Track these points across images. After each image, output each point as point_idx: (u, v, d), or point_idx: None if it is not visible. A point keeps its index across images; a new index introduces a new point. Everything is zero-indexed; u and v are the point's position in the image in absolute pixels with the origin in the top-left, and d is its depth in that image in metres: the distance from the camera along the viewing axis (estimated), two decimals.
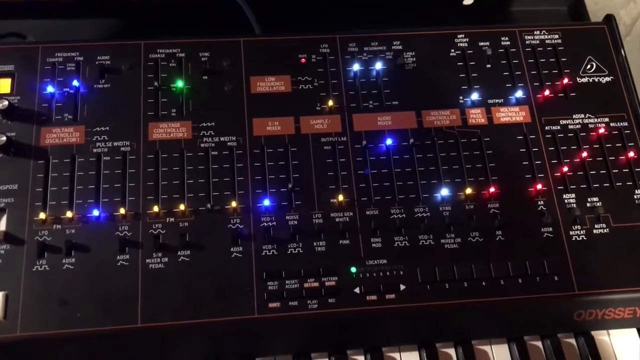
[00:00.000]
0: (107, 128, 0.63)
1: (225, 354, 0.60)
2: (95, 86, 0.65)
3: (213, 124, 0.64)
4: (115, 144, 0.63)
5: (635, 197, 0.64)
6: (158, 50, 0.67)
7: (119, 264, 0.58)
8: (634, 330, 0.64)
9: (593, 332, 0.63)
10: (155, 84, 0.65)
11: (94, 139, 0.63)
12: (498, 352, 0.62)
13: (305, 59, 0.68)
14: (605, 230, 0.63)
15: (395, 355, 0.61)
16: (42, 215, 0.59)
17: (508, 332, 0.63)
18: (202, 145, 0.63)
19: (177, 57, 0.67)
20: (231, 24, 0.75)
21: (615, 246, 0.62)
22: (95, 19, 0.81)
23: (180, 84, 0.65)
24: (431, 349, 0.61)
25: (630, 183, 0.65)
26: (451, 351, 0.62)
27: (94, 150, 0.62)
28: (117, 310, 0.57)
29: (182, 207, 0.60)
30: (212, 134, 0.64)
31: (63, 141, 0.62)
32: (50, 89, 0.64)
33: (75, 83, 0.65)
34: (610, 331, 0.64)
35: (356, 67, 0.68)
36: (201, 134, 0.64)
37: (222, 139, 0.64)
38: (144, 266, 0.58)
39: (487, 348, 0.62)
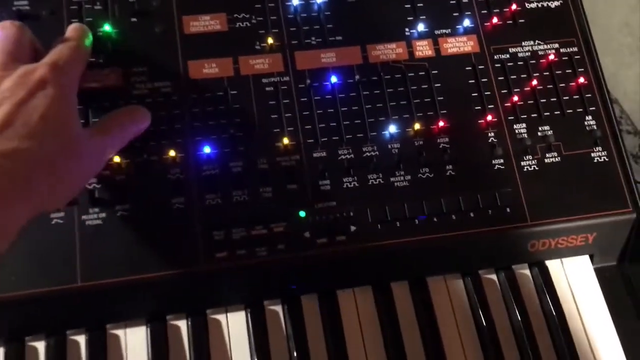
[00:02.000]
0: None
1: (174, 308, 0.58)
2: None
3: (145, 69, 0.60)
4: None
5: (585, 123, 0.63)
6: None
7: (53, 222, 0.55)
8: (586, 257, 0.64)
9: (547, 262, 0.63)
10: None
11: None
12: (453, 287, 0.61)
13: None
14: (556, 159, 0.62)
15: (350, 296, 0.60)
16: None
17: (462, 267, 0.62)
18: (135, 92, 0.59)
19: None
20: None
21: (567, 174, 0.61)
22: None
23: (107, 27, 0.61)
24: (386, 288, 0.60)
25: (581, 110, 0.64)
26: (406, 289, 0.61)
27: None
28: (55, 271, 0.54)
29: (117, 159, 0.57)
30: (145, 79, 0.60)
31: None
32: None
33: None
34: (564, 259, 0.64)
35: (296, 1, 0.64)
36: (132, 80, 0.60)
37: (155, 84, 0.60)
38: (80, 223, 0.55)
39: (441, 284, 0.62)
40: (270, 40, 0.62)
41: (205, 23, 0.62)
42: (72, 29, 0.54)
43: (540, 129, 0.62)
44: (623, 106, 1.60)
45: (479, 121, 0.62)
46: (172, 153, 0.58)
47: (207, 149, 0.58)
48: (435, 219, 0.58)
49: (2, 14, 0.59)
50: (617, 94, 1.59)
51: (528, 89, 0.63)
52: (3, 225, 0.41)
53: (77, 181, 0.49)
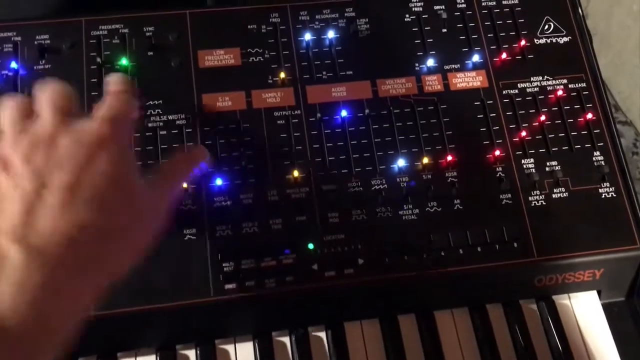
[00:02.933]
0: None
1: (183, 338, 0.59)
2: (35, 67, 0.62)
3: (160, 102, 0.62)
4: None
5: (594, 159, 0.64)
6: (100, 27, 0.64)
7: None
8: (594, 293, 0.64)
9: (554, 297, 0.63)
10: (98, 60, 0.63)
11: None
12: (460, 321, 0.62)
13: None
14: (564, 195, 0.62)
15: (357, 329, 0.61)
16: None
17: (469, 301, 0.62)
18: (150, 124, 0.61)
19: (121, 33, 0.64)
20: None
21: (574, 210, 0.61)
22: None
23: (124, 61, 0.63)
24: (393, 321, 0.61)
25: (589, 145, 0.64)
26: (413, 322, 0.61)
27: None
28: None
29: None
30: (160, 112, 0.61)
31: None
32: None
33: (13, 65, 0.62)
34: (571, 294, 0.64)
35: (308, 36, 0.65)
36: (148, 112, 0.61)
37: (170, 117, 0.61)
38: None
39: (448, 317, 0.62)
40: (282, 75, 0.64)
41: (219, 57, 0.64)
42: (115, 81, 0.51)
43: (548, 164, 0.63)
44: (638, 128, 1.60)
45: (487, 156, 0.63)
46: (184, 184, 0.59)
47: (219, 181, 0.59)
48: (442, 253, 0.59)
49: None
50: (632, 116, 1.59)
51: (536, 124, 0.64)
52: (80, 298, 0.41)
53: (143, 240, 0.46)
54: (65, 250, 0.39)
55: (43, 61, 0.62)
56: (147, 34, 0.64)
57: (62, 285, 0.39)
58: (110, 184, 0.42)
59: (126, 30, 0.64)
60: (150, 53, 0.64)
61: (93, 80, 0.62)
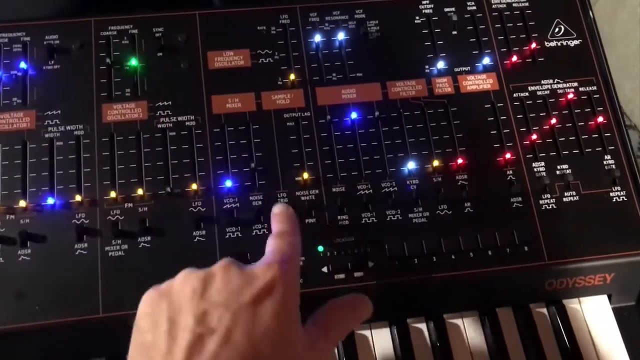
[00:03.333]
0: (59, 112, 0.60)
1: None
2: (44, 67, 0.62)
3: (170, 103, 0.62)
4: (68, 127, 0.60)
5: (604, 162, 0.63)
6: (109, 27, 0.64)
7: (77, 253, 0.56)
8: (604, 297, 0.63)
9: (564, 301, 0.63)
10: (108, 61, 0.62)
11: (46, 124, 0.60)
12: (470, 324, 0.61)
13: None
14: (574, 198, 0.62)
15: (366, 332, 0.60)
16: None
17: (479, 304, 0.62)
18: (159, 125, 0.61)
19: (130, 33, 0.64)
20: None
21: (585, 213, 0.61)
22: None
23: (133, 62, 0.62)
24: (402, 325, 0.61)
25: (600, 149, 0.64)
26: (422, 326, 0.61)
27: (46, 135, 0.60)
28: (78, 301, 0.55)
29: (140, 191, 0.58)
30: (169, 113, 0.61)
31: (13, 127, 0.60)
32: None
33: (22, 65, 0.61)
34: (581, 298, 0.63)
35: (318, 38, 0.65)
36: (158, 114, 0.61)
37: (179, 118, 0.61)
38: (103, 254, 0.56)
39: (458, 321, 0.62)
40: (292, 76, 0.63)
41: (229, 59, 0.64)
42: (283, 217, 0.48)
43: (558, 167, 0.63)
44: None
45: (498, 159, 0.62)
46: (194, 186, 0.59)
47: (228, 183, 0.59)
48: (453, 257, 0.59)
49: None
50: (636, 119, 1.59)
51: (547, 127, 0.64)
52: None
53: None
54: None
55: (52, 61, 0.62)
56: (157, 34, 0.64)
57: None
58: (270, 341, 0.39)
59: (135, 31, 0.64)
60: (160, 54, 0.63)
61: (102, 80, 0.62)
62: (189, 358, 0.37)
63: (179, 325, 0.39)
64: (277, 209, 0.51)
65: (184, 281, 0.41)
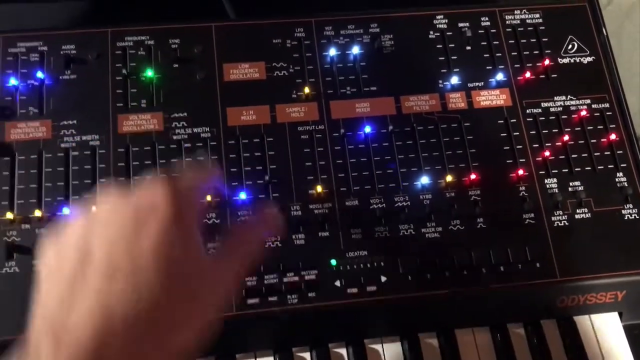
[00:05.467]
0: (75, 121, 0.61)
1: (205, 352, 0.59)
2: (61, 77, 0.62)
3: (185, 114, 0.62)
4: (84, 138, 0.60)
5: (616, 180, 0.63)
6: (126, 38, 0.64)
7: None
8: (615, 314, 0.63)
9: (575, 317, 0.63)
10: (124, 71, 0.63)
11: (62, 134, 0.60)
12: (481, 340, 0.61)
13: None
14: (587, 215, 0.62)
15: (378, 346, 0.61)
16: (9, 215, 0.57)
17: (490, 320, 0.62)
18: (174, 137, 0.61)
19: (146, 44, 0.64)
20: (204, 8, 0.72)
21: (597, 231, 0.61)
22: (60, 2, 0.77)
23: (150, 73, 0.63)
24: (414, 339, 0.61)
25: (612, 166, 0.64)
26: (434, 341, 0.61)
27: (62, 145, 0.60)
28: None
29: None
30: (185, 125, 0.62)
31: (29, 136, 0.60)
32: (13, 81, 0.61)
33: (39, 75, 0.62)
34: (592, 315, 0.63)
35: (333, 51, 0.66)
36: (173, 125, 0.61)
37: (195, 130, 0.62)
38: None
39: (469, 336, 0.62)
40: (306, 90, 0.64)
41: (244, 71, 0.64)
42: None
43: (571, 184, 0.63)
44: None
45: (510, 175, 0.63)
46: (208, 198, 0.59)
47: (242, 195, 0.59)
48: (465, 272, 0.59)
49: None
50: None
51: (559, 143, 0.64)
52: None
53: (200, 322, 0.38)
54: (98, 347, 0.34)
55: (69, 71, 0.63)
56: (173, 46, 0.64)
57: None
58: (160, 262, 0.36)
59: (152, 42, 0.64)
60: (176, 65, 0.64)
61: (118, 91, 0.62)
62: (64, 301, 0.35)
63: (65, 258, 0.37)
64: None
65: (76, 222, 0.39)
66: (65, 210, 0.57)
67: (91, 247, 0.36)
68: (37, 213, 0.57)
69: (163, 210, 0.37)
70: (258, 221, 0.47)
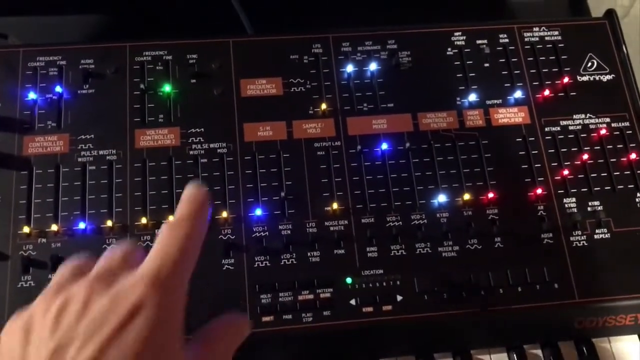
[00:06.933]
0: (92, 136, 0.61)
1: None
2: (79, 92, 0.63)
3: (202, 129, 0.62)
4: (101, 152, 0.61)
5: (637, 200, 0.63)
6: (144, 53, 0.65)
7: None
8: (635, 337, 0.62)
9: (594, 339, 0.62)
10: (142, 86, 0.63)
11: (79, 148, 0.60)
12: None
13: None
14: (606, 236, 0.61)
15: None
16: (26, 229, 0.57)
17: (507, 341, 0.61)
18: (191, 152, 0.61)
19: (164, 59, 0.65)
20: (222, 23, 0.72)
21: (617, 252, 0.60)
22: (80, 16, 0.78)
23: (167, 88, 0.63)
24: None
25: (632, 186, 0.63)
26: None
27: (79, 159, 0.60)
28: None
29: (171, 218, 0.58)
30: (202, 140, 0.62)
31: (47, 150, 0.60)
32: (32, 95, 0.62)
33: (58, 89, 0.62)
34: (611, 338, 0.62)
35: (350, 68, 0.65)
36: (190, 140, 0.61)
37: (211, 145, 0.62)
38: None
39: (486, 357, 0.61)
40: (323, 106, 0.64)
41: (261, 87, 0.64)
42: (186, 200, 0.40)
43: (590, 204, 0.62)
44: None
45: (529, 194, 0.62)
46: (224, 214, 0.59)
47: (258, 211, 0.59)
48: (482, 292, 0.58)
49: None
50: None
51: (578, 162, 0.63)
52: None
53: None
54: None
55: (87, 86, 0.63)
56: (191, 61, 0.64)
57: None
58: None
59: (170, 57, 0.65)
60: (193, 81, 0.64)
61: (136, 106, 0.62)
62: None
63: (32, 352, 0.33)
64: (187, 190, 0.40)
65: (42, 306, 0.36)
66: (81, 225, 0.57)
67: (71, 337, 0.33)
68: (54, 227, 0.57)
69: (146, 316, 0.34)
70: (232, 322, 0.44)
